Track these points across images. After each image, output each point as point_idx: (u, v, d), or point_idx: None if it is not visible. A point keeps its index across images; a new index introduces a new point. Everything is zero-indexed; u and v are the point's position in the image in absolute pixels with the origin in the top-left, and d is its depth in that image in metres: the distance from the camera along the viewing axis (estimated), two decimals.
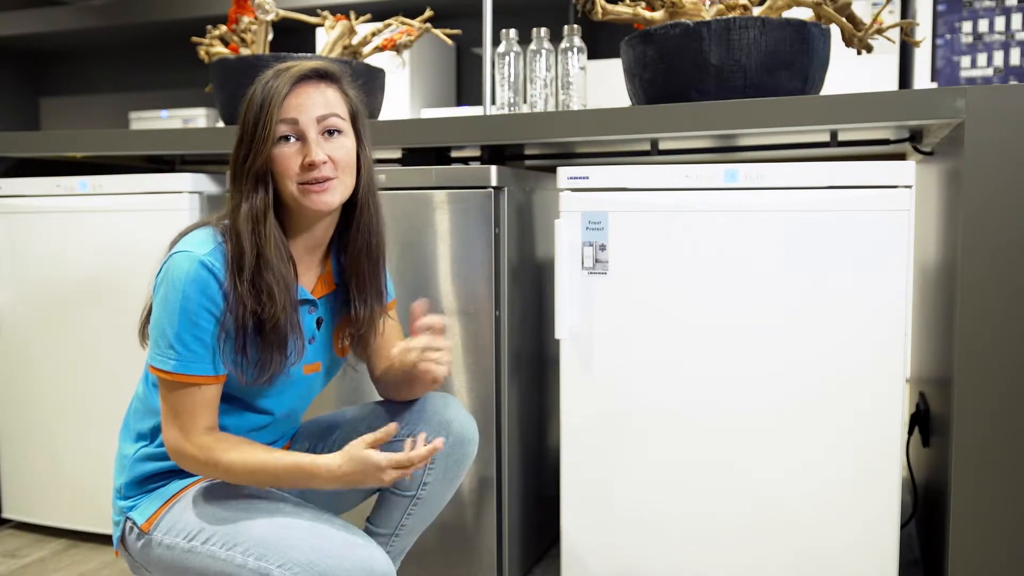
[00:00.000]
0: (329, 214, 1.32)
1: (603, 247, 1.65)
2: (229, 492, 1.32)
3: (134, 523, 1.32)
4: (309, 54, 1.97)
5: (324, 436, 1.49)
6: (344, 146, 1.30)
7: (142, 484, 1.34)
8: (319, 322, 1.38)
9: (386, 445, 1.39)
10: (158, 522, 1.30)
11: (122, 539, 1.35)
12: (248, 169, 1.26)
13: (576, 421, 1.69)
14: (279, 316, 1.25)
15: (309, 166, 1.25)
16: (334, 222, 1.36)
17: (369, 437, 1.23)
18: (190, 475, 1.35)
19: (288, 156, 1.26)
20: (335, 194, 1.28)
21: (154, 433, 1.34)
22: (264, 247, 1.25)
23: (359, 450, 1.22)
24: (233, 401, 1.33)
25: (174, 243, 1.29)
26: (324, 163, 1.26)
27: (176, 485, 1.34)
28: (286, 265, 1.27)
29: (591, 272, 1.66)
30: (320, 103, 1.28)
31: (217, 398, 1.27)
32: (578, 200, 1.66)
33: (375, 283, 1.39)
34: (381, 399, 1.51)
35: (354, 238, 1.36)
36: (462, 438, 1.42)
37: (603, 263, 1.65)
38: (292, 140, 1.26)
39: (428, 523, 1.50)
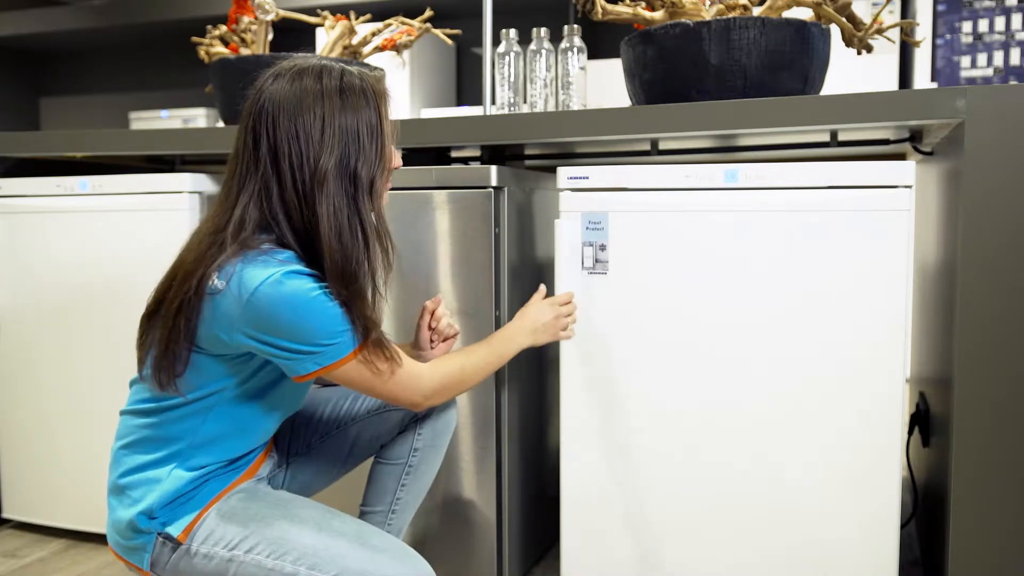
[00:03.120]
0: None
1: (603, 247, 1.64)
2: (266, 499, 1.31)
3: (168, 537, 1.26)
4: (310, 54, 1.97)
5: (310, 415, 1.54)
6: None
7: (175, 500, 1.29)
8: None
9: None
10: (195, 531, 1.26)
11: (152, 561, 1.28)
12: (375, 182, 1.28)
13: (576, 422, 1.68)
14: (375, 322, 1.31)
15: (396, 167, 1.35)
16: None
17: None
18: (224, 482, 1.32)
19: (392, 156, 1.33)
20: None
21: (182, 455, 1.29)
22: (375, 253, 1.30)
23: (530, 306, 1.57)
24: (277, 401, 1.34)
25: (216, 266, 1.21)
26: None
27: (208, 493, 1.30)
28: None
29: (591, 272, 1.65)
30: None
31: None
32: (578, 200, 1.65)
33: None
34: None
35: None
36: (444, 405, 1.52)
37: (603, 263, 1.65)
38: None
39: (421, 498, 1.54)
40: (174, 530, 1.27)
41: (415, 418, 1.51)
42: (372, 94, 1.27)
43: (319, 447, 1.51)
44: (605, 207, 1.64)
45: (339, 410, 1.53)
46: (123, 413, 1.33)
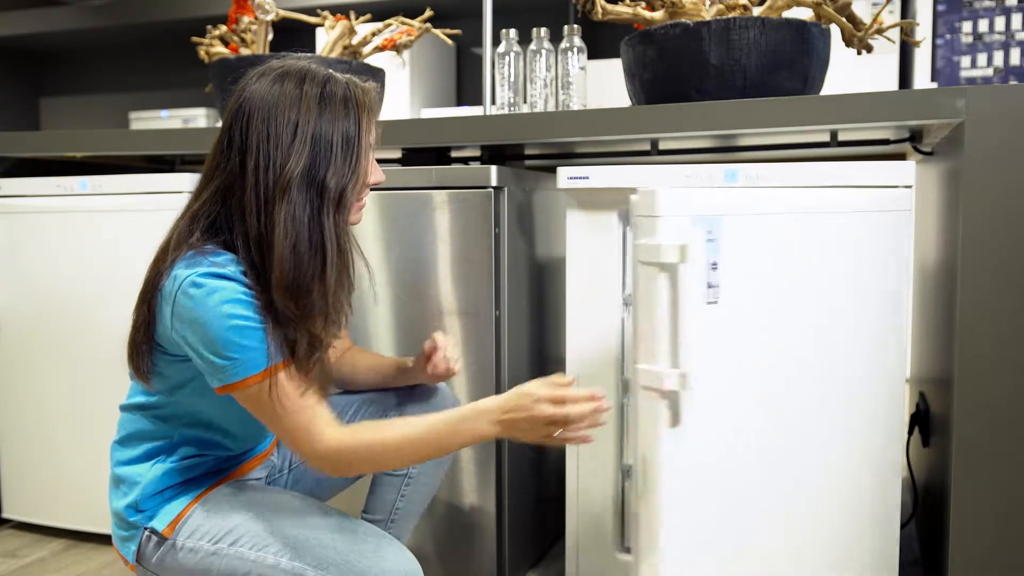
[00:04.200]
0: None
1: (715, 266, 1.25)
2: (253, 494, 1.32)
3: (153, 531, 1.29)
4: (309, 54, 1.97)
5: None
6: None
7: (161, 495, 1.31)
8: None
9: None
10: (180, 526, 1.28)
11: (138, 553, 1.31)
12: (345, 194, 1.23)
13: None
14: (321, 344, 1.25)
15: (376, 184, 1.30)
16: None
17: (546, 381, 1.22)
18: (211, 478, 1.34)
19: (369, 171, 1.29)
20: None
21: (166, 451, 1.32)
22: (344, 268, 1.25)
23: (524, 385, 1.21)
24: (221, 424, 1.33)
25: (156, 277, 1.23)
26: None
27: (197, 489, 1.32)
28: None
29: (704, 303, 1.23)
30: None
31: (304, 383, 1.22)
32: (682, 200, 1.21)
33: None
34: (369, 389, 1.55)
35: None
36: None
37: (715, 288, 1.24)
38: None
39: (422, 508, 1.52)
40: (159, 524, 1.28)
41: None
42: (355, 105, 1.23)
43: None
44: (718, 209, 1.24)
45: (343, 418, 1.50)
46: (120, 408, 1.36)
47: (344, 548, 1.20)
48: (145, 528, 1.29)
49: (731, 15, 1.67)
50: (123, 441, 1.34)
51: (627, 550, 1.74)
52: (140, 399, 1.32)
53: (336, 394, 1.56)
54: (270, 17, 2.02)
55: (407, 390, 1.53)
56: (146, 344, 1.25)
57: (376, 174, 1.30)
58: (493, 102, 2.23)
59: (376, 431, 1.21)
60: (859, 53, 1.75)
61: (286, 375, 1.18)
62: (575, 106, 2.10)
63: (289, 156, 1.19)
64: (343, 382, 1.55)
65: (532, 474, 1.93)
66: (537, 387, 1.20)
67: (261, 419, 1.21)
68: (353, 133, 1.23)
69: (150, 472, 1.31)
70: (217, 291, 1.16)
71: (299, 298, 1.19)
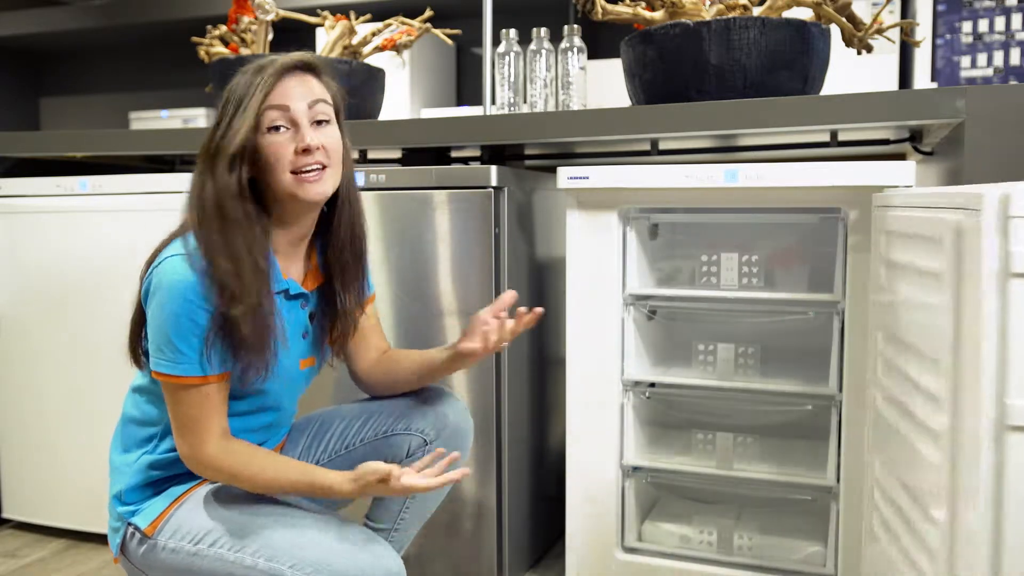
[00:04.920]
0: (319, 205, 1.30)
1: None
2: (234, 495, 1.32)
3: (136, 528, 1.30)
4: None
5: (320, 434, 1.50)
6: (334, 135, 1.29)
7: (144, 489, 1.33)
8: (312, 316, 1.38)
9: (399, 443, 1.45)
10: (162, 526, 1.29)
11: (122, 545, 1.33)
12: (220, 149, 1.23)
13: None
14: (248, 313, 1.21)
15: (304, 151, 1.24)
16: (316, 214, 1.34)
17: (382, 467, 1.21)
18: (194, 478, 1.34)
19: (281, 144, 1.24)
20: (327, 184, 1.27)
21: (153, 440, 1.34)
22: (232, 232, 1.21)
23: (362, 468, 1.21)
24: (242, 402, 1.32)
25: (156, 253, 1.27)
26: (318, 148, 1.25)
27: (179, 488, 1.33)
28: (262, 256, 1.24)
29: None
30: (308, 92, 1.27)
31: (226, 399, 1.27)
32: None
33: (359, 276, 1.39)
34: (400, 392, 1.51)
35: (336, 231, 1.36)
36: (458, 429, 1.44)
37: None
38: (283, 129, 1.25)
39: (427, 516, 1.51)
40: (142, 521, 1.30)
41: (425, 444, 1.45)
42: (260, 68, 1.26)
43: (326, 467, 1.49)
44: None
45: (350, 431, 1.48)
46: (129, 391, 1.40)
47: (322, 548, 1.21)
48: (129, 524, 1.31)
49: (731, 15, 1.67)
50: (120, 429, 1.37)
51: (627, 550, 1.74)
52: (139, 381, 1.36)
53: (363, 400, 1.52)
54: (270, 17, 2.02)
55: (415, 405, 1.48)
56: (141, 328, 1.29)
57: (291, 146, 1.25)
58: (493, 102, 2.23)
59: (250, 462, 1.25)
60: (859, 53, 1.75)
61: (214, 388, 1.23)
62: (575, 106, 2.10)
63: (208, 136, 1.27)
64: (374, 387, 1.50)
65: (532, 474, 1.93)
66: (376, 465, 1.20)
67: (168, 406, 1.25)
68: (244, 90, 1.25)
69: (136, 463, 1.33)
70: (176, 284, 1.20)
71: (217, 266, 1.20)
